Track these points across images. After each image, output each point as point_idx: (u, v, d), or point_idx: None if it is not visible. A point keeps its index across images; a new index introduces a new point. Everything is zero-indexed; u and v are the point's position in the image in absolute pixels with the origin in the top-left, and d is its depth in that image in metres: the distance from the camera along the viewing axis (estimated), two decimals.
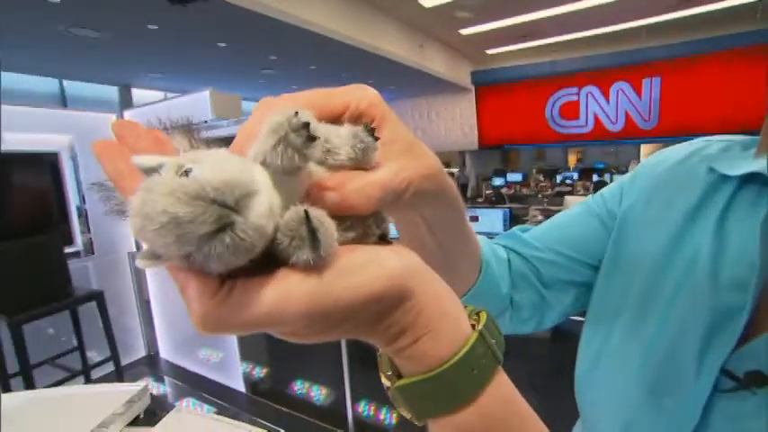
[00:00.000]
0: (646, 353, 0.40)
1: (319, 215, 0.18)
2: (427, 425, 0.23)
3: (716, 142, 0.44)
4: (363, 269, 0.19)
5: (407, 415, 0.23)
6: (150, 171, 0.18)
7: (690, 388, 0.36)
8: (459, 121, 11.54)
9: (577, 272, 0.50)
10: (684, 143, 0.47)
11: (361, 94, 0.24)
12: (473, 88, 10.95)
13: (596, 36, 8.11)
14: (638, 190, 0.46)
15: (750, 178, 0.37)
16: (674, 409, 0.37)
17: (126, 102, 7.50)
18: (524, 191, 8.36)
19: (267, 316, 0.18)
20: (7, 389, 2.24)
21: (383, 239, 0.24)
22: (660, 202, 0.43)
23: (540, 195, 7.50)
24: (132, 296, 3.22)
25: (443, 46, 8.49)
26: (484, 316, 0.24)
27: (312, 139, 0.18)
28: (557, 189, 7.84)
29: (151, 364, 3.21)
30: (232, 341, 2.66)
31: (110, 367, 2.64)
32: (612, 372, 0.43)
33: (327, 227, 0.19)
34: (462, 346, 0.21)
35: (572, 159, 10.96)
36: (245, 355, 2.68)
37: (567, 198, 5.22)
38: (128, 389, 0.77)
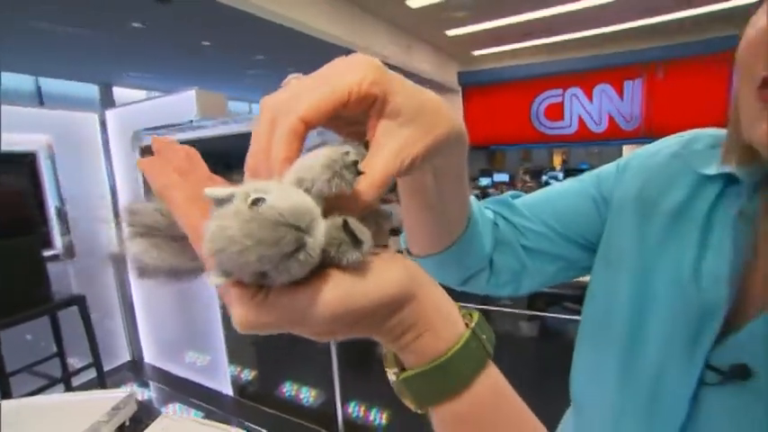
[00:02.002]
0: (636, 352, 0.41)
1: (353, 221, 0.21)
2: (428, 414, 0.25)
3: (706, 137, 0.43)
4: (377, 277, 0.22)
5: (411, 405, 0.25)
6: (221, 201, 0.20)
7: (677, 383, 0.37)
8: None
9: (563, 246, 0.50)
10: (677, 135, 0.46)
11: (360, 76, 0.22)
12: (460, 89, 11.02)
13: (579, 39, 8.26)
14: (631, 180, 0.46)
15: (732, 177, 0.37)
16: (663, 405, 0.38)
17: (107, 101, 7.33)
18: (511, 191, 8.49)
19: (301, 317, 0.20)
20: None
21: (394, 232, 0.25)
22: (651, 197, 0.43)
23: None
24: (115, 299, 3.15)
25: (431, 47, 8.54)
26: (476, 316, 0.26)
27: (360, 173, 0.21)
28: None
29: (135, 369, 3.14)
30: (219, 343, 2.62)
31: (92, 374, 2.57)
32: (605, 371, 0.44)
33: (362, 229, 0.21)
34: (458, 341, 0.24)
35: (557, 160, 11.12)
36: (232, 358, 2.64)
37: None
38: (113, 396, 0.75)
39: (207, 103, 2.29)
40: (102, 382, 2.58)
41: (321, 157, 0.21)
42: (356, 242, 0.20)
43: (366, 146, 0.24)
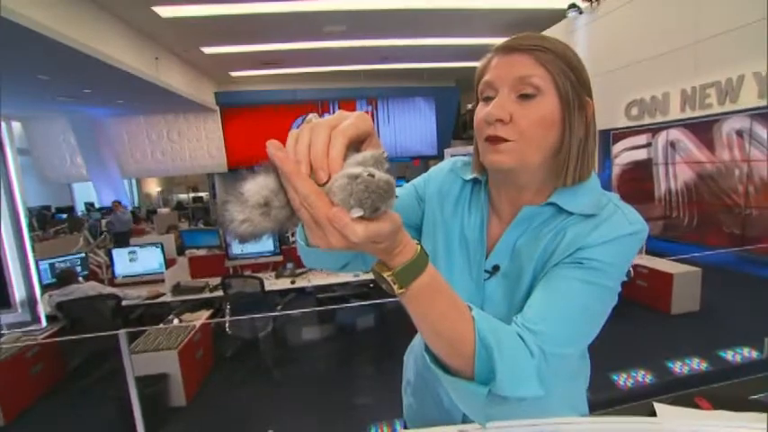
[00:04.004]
0: (452, 274, 0.67)
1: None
2: (405, 296, 0.44)
3: (462, 159, 0.74)
4: (395, 214, 0.39)
5: (397, 288, 0.43)
6: (352, 176, 0.35)
7: (475, 283, 0.65)
8: (205, 143, 10.87)
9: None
10: (448, 159, 0.77)
11: (368, 125, 0.40)
12: (218, 109, 10.61)
13: (328, 72, 9.50)
14: (432, 185, 0.74)
15: (476, 179, 0.69)
16: (471, 295, 0.64)
17: None
18: None
19: (383, 230, 0.37)
20: None
21: None
22: (443, 193, 0.72)
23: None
24: None
25: (183, 62, 7.88)
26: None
27: (388, 161, 0.39)
28: None
29: None
30: None
31: None
32: None
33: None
34: (417, 248, 0.44)
35: None
36: None
37: None
38: None
39: None
40: None
41: (369, 154, 0.38)
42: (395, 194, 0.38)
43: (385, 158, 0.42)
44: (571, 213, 0.58)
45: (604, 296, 0.54)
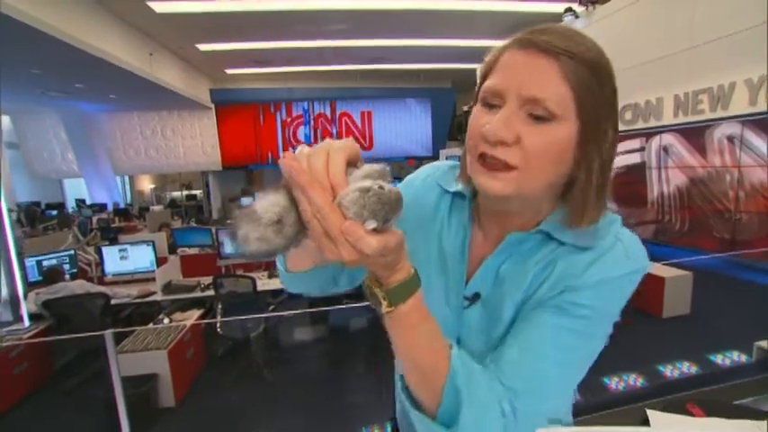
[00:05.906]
0: (428, 299, 0.60)
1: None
2: (390, 315, 0.43)
3: (444, 166, 0.68)
4: (397, 230, 0.39)
5: (386, 305, 0.42)
6: (364, 189, 0.35)
7: (454, 310, 0.59)
8: (199, 140, 10.77)
9: None
10: (427, 166, 0.71)
11: (358, 148, 0.41)
12: (213, 107, 10.53)
13: (324, 72, 9.47)
14: (407, 194, 0.71)
15: (458, 192, 0.62)
16: (448, 323, 0.58)
17: None
18: None
19: (388, 244, 0.37)
20: None
21: None
22: (419, 204, 0.65)
23: None
24: None
25: (178, 58, 7.80)
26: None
27: (391, 175, 0.40)
28: None
29: None
30: None
31: None
32: None
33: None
34: (412, 270, 0.43)
35: None
36: None
37: None
38: None
39: None
40: None
41: (375, 168, 0.39)
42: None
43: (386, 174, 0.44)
44: (563, 243, 0.52)
45: (592, 345, 0.50)
